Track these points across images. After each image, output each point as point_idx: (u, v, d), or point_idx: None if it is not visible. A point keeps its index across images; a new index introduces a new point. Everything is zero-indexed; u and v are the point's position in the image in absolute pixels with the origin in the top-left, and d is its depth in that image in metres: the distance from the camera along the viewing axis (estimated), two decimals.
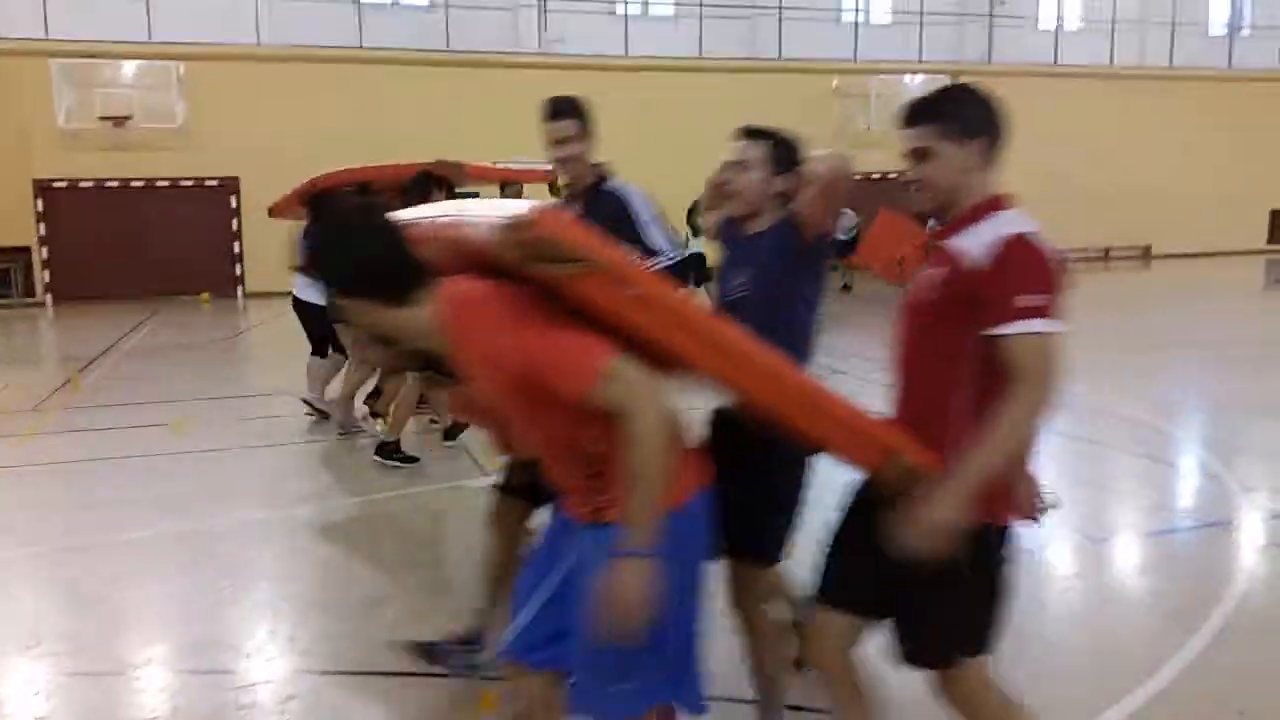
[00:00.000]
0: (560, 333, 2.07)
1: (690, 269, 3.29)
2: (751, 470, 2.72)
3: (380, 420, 7.10)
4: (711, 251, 3.34)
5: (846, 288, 16.74)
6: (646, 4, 21.13)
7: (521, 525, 3.34)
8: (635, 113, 19.05)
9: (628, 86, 19.08)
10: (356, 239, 2.17)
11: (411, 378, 6.69)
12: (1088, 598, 4.32)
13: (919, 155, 2.30)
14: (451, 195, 6.56)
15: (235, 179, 17.63)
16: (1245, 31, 25.53)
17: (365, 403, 7.63)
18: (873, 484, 2.37)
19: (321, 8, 18.24)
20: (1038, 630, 3.91)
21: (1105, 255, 23.91)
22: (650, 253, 3.32)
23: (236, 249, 18.03)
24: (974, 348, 2.19)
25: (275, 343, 12.38)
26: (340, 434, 7.23)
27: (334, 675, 3.64)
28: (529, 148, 7.44)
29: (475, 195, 7.76)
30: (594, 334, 2.08)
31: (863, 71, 21.83)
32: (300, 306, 7.43)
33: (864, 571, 2.41)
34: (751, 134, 2.97)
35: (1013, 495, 2.31)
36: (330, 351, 7.55)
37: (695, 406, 2.63)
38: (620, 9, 20.73)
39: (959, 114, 2.30)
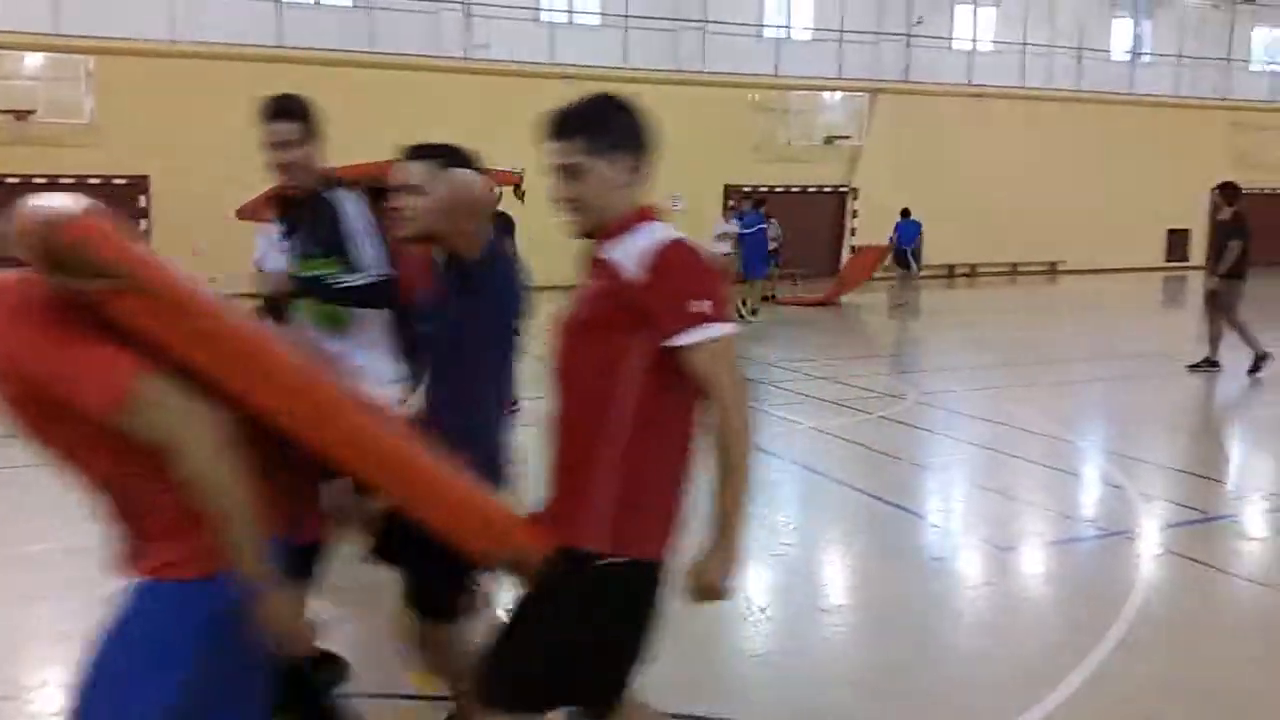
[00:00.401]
0: (89, 342, 1.76)
1: (390, 290, 3.11)
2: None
3: None
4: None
5: (756, 311, 15.01)
6: (571, 12, 21.12)
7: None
8: None
9: (552, 95, 19.05)
10: None
11: None
12: (996, 605, 4.43)
13: (569, 173, 2.11)
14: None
15: (145, 178, 17.09)
16: (1146, 58, 26.66)
17: None
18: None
19: (241, 5, 17.81)
20: (949, 639, 4.00)
21: (1013, 270, 24.66)
22: (352, 268, 3.10)
23: None
24: (638, 360, 2.06)
25: None
26: None
27: None
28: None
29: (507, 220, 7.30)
30: (131, 351, 1.79)
31: (783, 87, 22.18)
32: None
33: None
34: (419, 153, 2.69)
35: (660, 524, 2.12)
36: None
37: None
38: (545, 16, 20.70)
39: (608, 127, 2.13)
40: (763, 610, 4.23)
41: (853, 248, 21.68)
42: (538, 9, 20.63)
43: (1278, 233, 23.64)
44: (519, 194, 8.66)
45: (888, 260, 17.26)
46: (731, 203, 15.82)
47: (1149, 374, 10.35)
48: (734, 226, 15.12)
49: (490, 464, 2.58)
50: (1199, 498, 5.99)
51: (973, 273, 23.46)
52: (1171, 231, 26.48)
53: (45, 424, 1.85)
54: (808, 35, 23.26)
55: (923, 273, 18.24)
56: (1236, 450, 7.65)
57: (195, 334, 1.84)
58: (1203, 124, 25.63)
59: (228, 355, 1.89)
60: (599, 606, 2.06)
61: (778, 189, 21.08)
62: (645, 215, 2.16)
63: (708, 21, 21.60)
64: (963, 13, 24.58)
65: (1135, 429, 7.95)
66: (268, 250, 4.64)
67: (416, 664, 2.80)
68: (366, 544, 2.70)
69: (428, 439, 2.31)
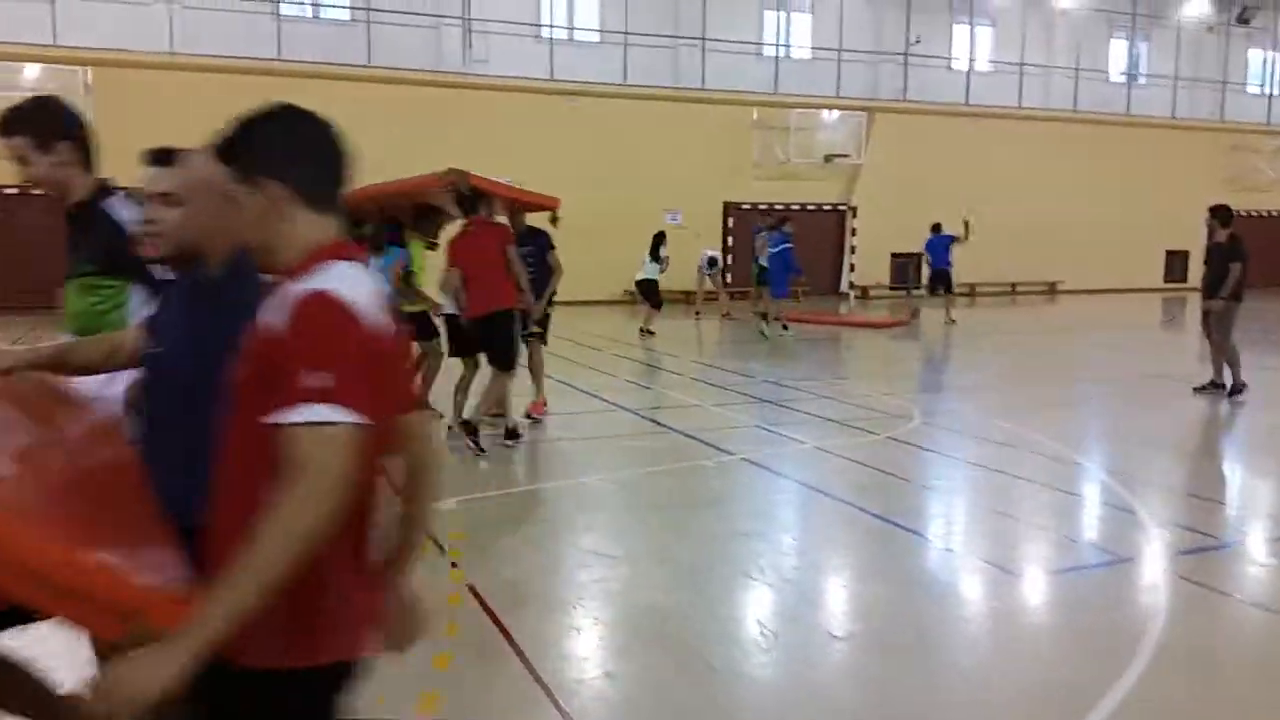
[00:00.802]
0: None
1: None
2: None
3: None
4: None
5: (698, 313, 18.14)
6: (571, 29, 21.15)
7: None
8: (558, 136, 19.01)
9: (551, 110, 19.05)
10: None
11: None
12: (1009, 634, 4.33)
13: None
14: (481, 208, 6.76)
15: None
16: (1142, 80, 26.79)
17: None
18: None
19: (239, 18, 17.79)
20: (971, 665, 3.90)
21: (1012, 290, 24.68)
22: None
23: None
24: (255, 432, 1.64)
25: None
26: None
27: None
28: (454, 165, 7.30)
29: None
30: None
31: (782, 105, 22.22)
32: None
33: None
34: (162, 158, 2.30)
35: (341, 620, 1.71)
36: None
37: None
38: (546, 32, 20.72)
39: (256, 147, 1.76)
40: (775, 635, 4.13)
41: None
42: (538, 25, 20.65)
43: (1272, 255, 23.69)
44: (554, 220, 8.84)
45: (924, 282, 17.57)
46: (769, 223, 16.16)
47: (1154, 395, 10.29)
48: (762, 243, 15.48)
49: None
50: (1211, 522, 5.90)
51: (972, 292, 23.45)
52: (1170, 253, 26.56)
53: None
54: (806, 54, 23.35)
55: (920, 292, 18.25)
56: (1247, 474, 7.57)
57: None
58: (1199, 145, 25.75)
59: None
60: None
61: (777, 206, 21.07)
62: (332, 253, 1.75)
63: (707, 39, 21.65)
64: (960, 33, 24.71)
65: (1144, 451, 7.88)
66: None
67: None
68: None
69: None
